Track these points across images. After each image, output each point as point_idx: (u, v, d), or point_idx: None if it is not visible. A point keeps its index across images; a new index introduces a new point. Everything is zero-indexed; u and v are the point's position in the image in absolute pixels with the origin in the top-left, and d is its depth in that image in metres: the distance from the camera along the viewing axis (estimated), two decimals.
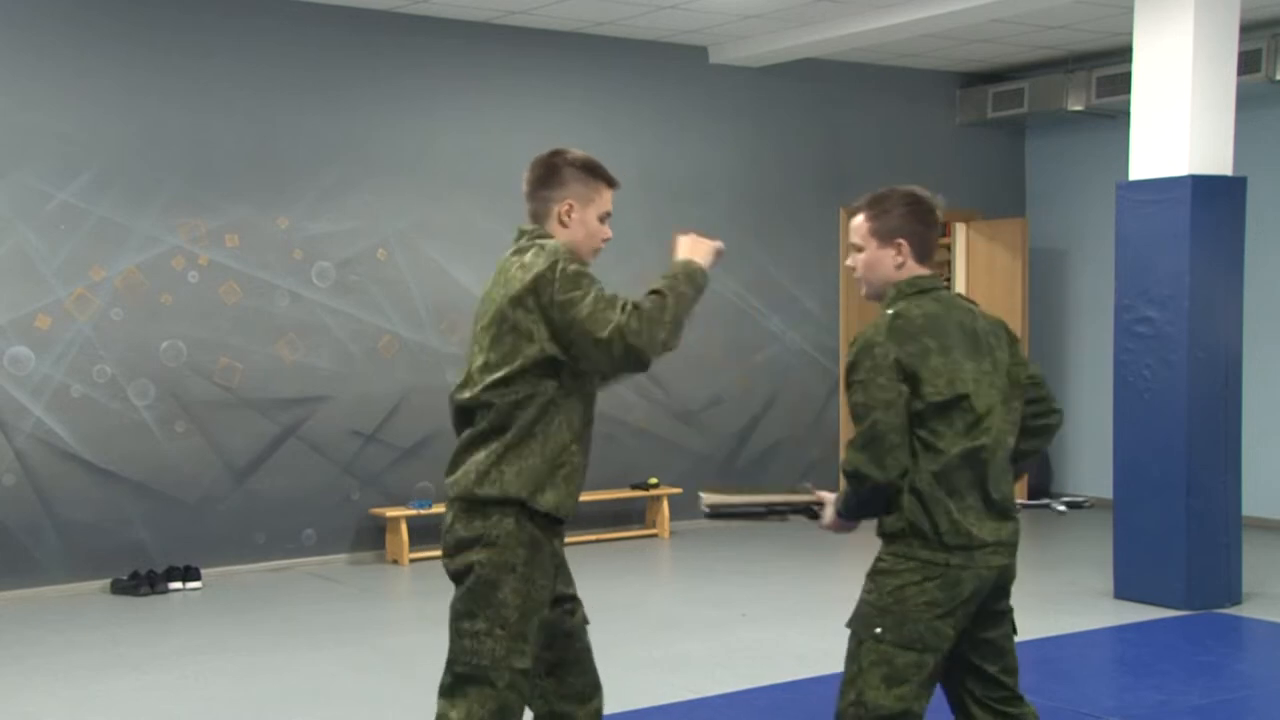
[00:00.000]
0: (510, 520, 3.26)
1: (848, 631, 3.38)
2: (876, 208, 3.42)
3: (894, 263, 3.41)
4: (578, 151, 3.52)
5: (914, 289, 3.37)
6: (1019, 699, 3.45)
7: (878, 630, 3.27)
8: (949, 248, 11.19)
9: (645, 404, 9.55)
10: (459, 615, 3.31)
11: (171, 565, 7.84)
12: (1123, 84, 8.82)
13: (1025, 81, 10.39)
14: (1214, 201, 7.04)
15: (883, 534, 3.35)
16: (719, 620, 6.95)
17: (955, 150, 10.85)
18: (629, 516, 9.59)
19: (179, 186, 7.98)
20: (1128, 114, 7.36)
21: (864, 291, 3.50)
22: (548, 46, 9.12)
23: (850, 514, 3.42)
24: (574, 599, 3.54)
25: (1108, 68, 9.69)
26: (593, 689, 3.58)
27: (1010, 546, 3.35)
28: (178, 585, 7.75)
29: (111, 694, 5.73)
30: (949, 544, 3.25)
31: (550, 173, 3.46)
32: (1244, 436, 7.30)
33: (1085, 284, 10.85)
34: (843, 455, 3.40)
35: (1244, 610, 7.09)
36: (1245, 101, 7.77)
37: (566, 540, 3.44)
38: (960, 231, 10.92)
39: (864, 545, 3.61)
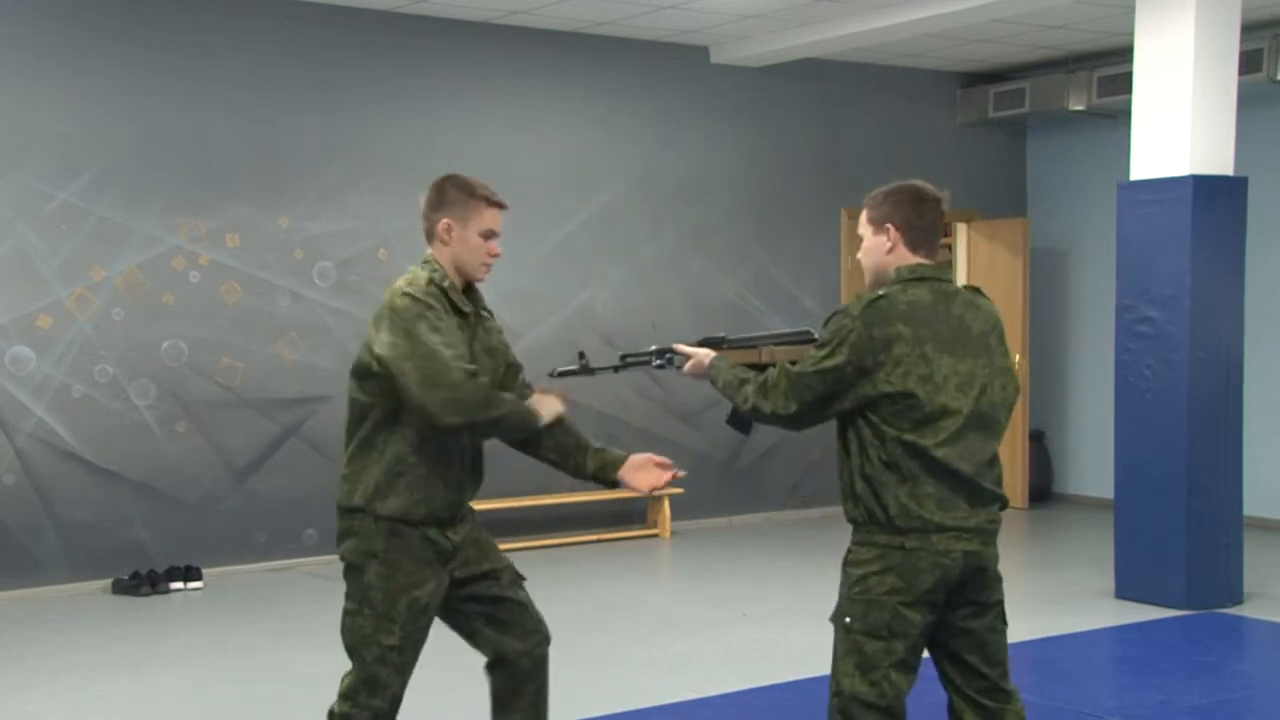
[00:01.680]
0: (369, 528, 3.62)
1: (832, 627, 3.44)
2: (873, 199, 3.50)
3: (884, 249, 3.44)
4: (467, 176, 3.79)
5: (914, 276, 3.39)
6: (1002, 691, 3.45)
7: (847, 620, 3.36)
8: (950, 247, 11.19)
9: (645, 404, 9.54)
10: (345, 597, 3.69)
11: (172, 565, 7.84)
12: (1124, 84, 8.81)
13: (1026, 81, 10.39)
14: (1215, 201, 7.03)
15: (849, 520, 3.43)
16: (719, 620, 6.95)
17: (956, 150, 10.84)
18: (629, 516, 9.59)
19: (179, 186, 7.98)
20: (1129, 114, 7.36)
21: (867, 280, 3.52)
22: (548, 46, 9.12)
23: (727, 399, 3.59)
24: (494, 571, 3.80)
25: (1109, 68, 9.69)
26: (531, 631, 3.83)
27: (980, 533, 3.34)
28: (179, 585, 7.75)
29: (111, 694, 5.73)
30: (901, 527, 3.28)
31: (436, 194, 3.78)
32: (1245, 436, 7.29)
33: (1086, 284, 10.85)
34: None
35: (1244, 610, 7.09)
36: (1246, 101, 7.76)
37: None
38: (961, 231, 10.92)
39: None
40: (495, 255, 3.76)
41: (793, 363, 3.49)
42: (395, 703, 3.72)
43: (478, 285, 3.84)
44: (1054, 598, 7.41)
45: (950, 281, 3.45)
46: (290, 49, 8.33)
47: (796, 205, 10.19)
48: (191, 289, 8.02)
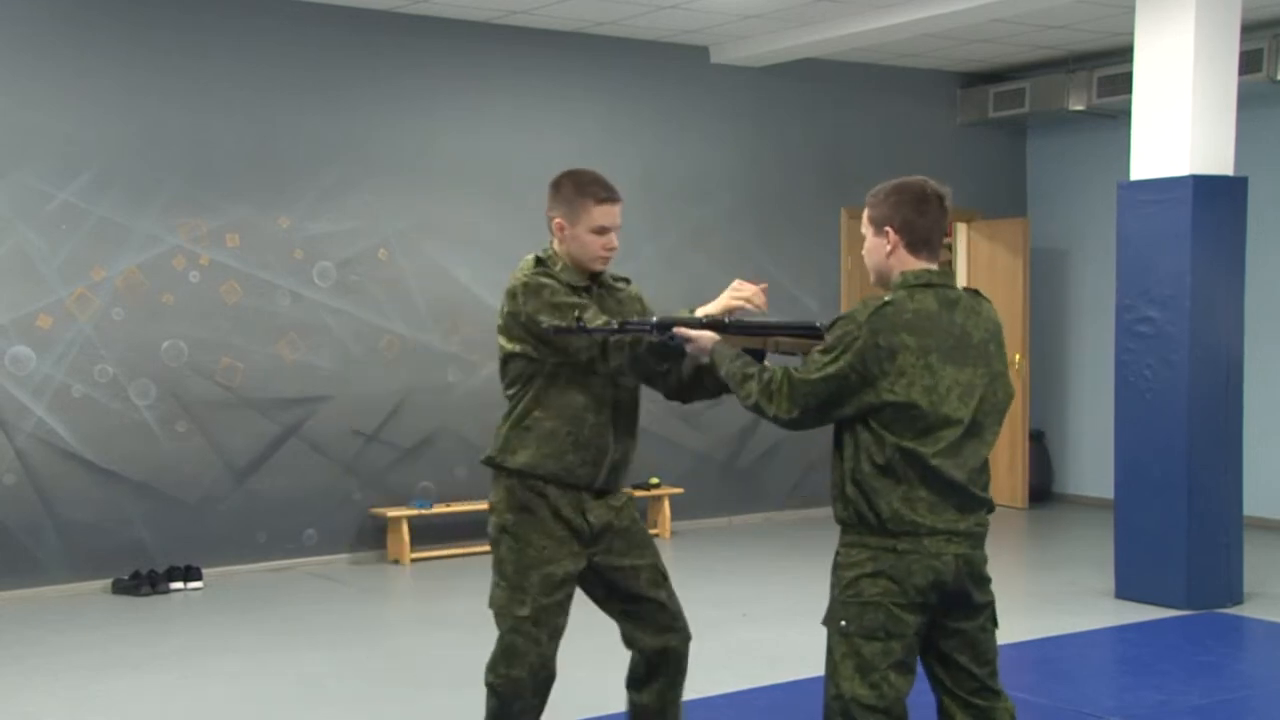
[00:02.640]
0: (503, 490, 3.85)
1: (827, 631, 3.42)
2: (875, 196, 3.45)
3: (884, 250, 3.40)
4: (582, 171, 3.92)
5: (920, 282, 3.34)
6: (991, 692, 3.43)
7: (843, 623, 3.34)
8: (950, 247, 11.19)
9: (646, 404, 9.47)
10: (492, 569, 3.91)
11: (172, 565, 7.84)
12: (1124, 84, 8.81)
13: (1026, 81, 10.39)
14: (1215, 201, 7.03)
15: (837, 521, 3.41)
16: (719, 620, 6.94)
17: (956, 150, 10.84)
18: None
19: (179, 186, 7.98)
20: (1129, 114, 7.36)
21: (871, 279, 3.50)
22: (548, 46, 9.12)
23: (721, 370, 3.55)
24: (636, 567, 3.97)
25: (1109, 68, 9.69)
26: (665, 629, 4.02)
27: (970, 537, 3.32)
28: (179, 585, 7.75)
29: (111, 694, 5.73)
30: (892, 530, 3.27)
31: (551, 192, 3.91)
32: (1245, 436, 7.29)
33: (1086, 284, 10.85)
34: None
35: (1245, 610, 7.09)
36: (1246, 101, 7.76)
37: None
38: (961, 231, 10.92)
39: None
40: (611, 249, 3.86)
41: (804, 354, 3.46)
42: (537, 674, 3.84)
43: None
44: (1054, 598, 7.41)
45: (954, 288, 3.40)
46: (290, 49, 8.33)
47: (796, 205, 10.19)
48: (191, 289, 8.02)
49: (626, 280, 4.06)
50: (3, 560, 7.50)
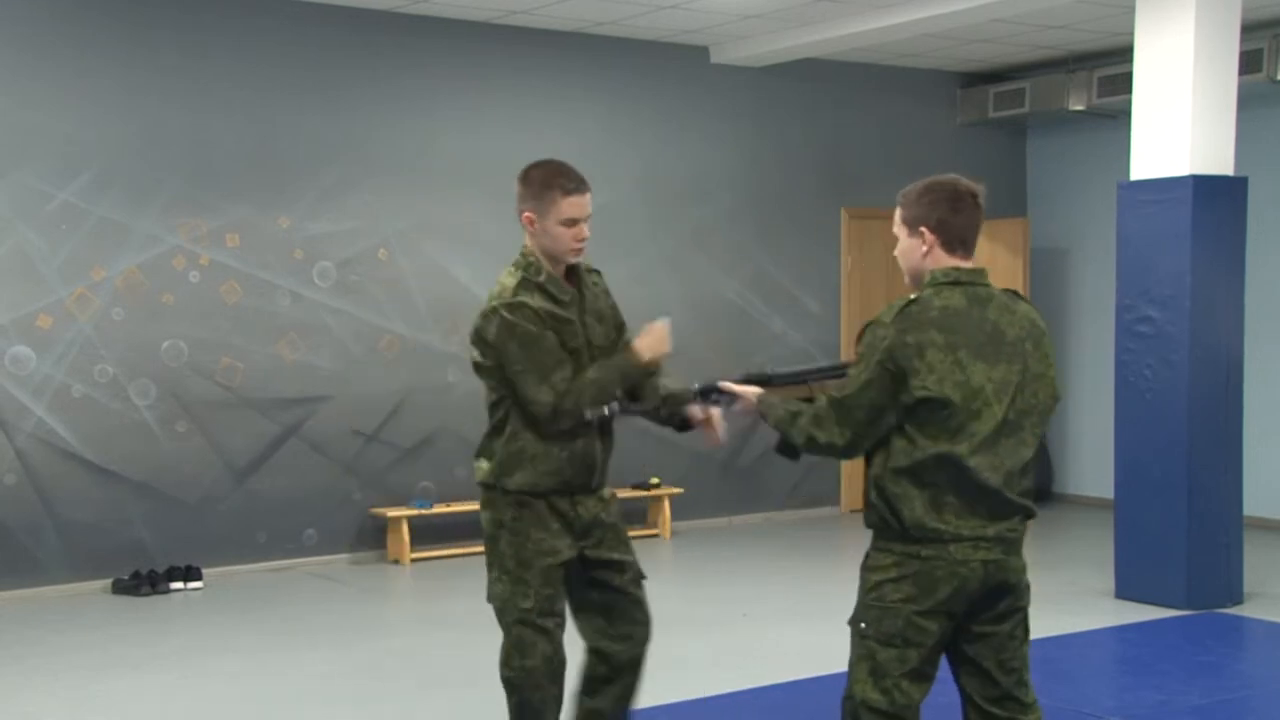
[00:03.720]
0: (498, 493, 3.90)
1: (849, 630, 3.40)
2: (906, 196, 3.41)
3: (920, 252, 3.36)
4: (547, 163, 3.86)
5: (948, 280, 3.31)
6: (1016, 702, 3.37)
7: (862, 625, 3.32)
8: None
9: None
10: (486, 566, 3.96)
11: (172, 565, 7.84)
12: (1124, 84, 8.81)
13: (1026, 81, 10.39)
14: (1215, 201, 7.03)
15: (867, 526, 3.40)
16: (719, 620, 6.94)
17: (956, 150, 10.83)
18: (630, 516, 9.58)
19: (179, 186, 7.98)
20: (1129, 114, 7.36)
21: (905, 280, 3.46)
22: (548, 46, 9.12)
23: (779, 433, 3.49)
24: (623, 563, 4.03)
25: (1109, 67, 9.69)
26: (637, 626, 4.07)
27: (1001, 542, 3.27)
28: (179, 585, 7.75)
29: (111, 694, 5.73)
30: (916, 536, 3.24)
31: (519, 185, 3.85)
32: (1245, 436, 7.29)
33: (1086, 284, 10.85)
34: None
35: (1245, 610, 7.09)
36: (1246, 101, 7.76)
37: None
38: None
39: (866, 546, 3.59)
40: (582, 240, 3.83)
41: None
42: (550, 661, 3.91)
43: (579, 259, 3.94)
44: (1054, 598, 7.40)
45: (986, 285, 3.37)
46: (290, 49, 8.33)
47: (796, 205, 10.19)
48: (191, 289, 8.02)
49: (598, 272, 4.06)
50: (3, 560, 7.50)
